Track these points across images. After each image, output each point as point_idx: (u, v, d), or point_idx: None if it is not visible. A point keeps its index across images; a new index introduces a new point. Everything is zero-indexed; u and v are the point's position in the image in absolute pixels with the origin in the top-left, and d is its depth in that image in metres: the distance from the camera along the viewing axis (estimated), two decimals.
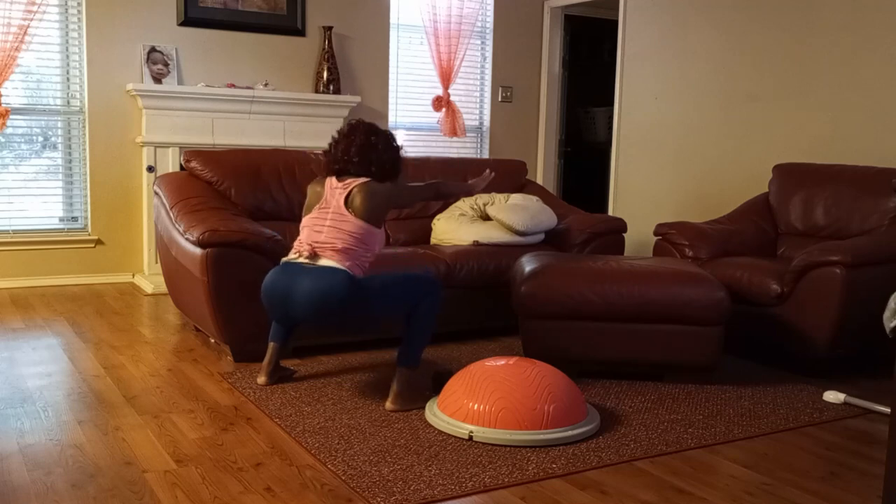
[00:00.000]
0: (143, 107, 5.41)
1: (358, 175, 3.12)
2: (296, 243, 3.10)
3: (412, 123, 6.60)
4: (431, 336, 3.14)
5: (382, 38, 6.33)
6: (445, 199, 3.31)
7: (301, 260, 3.04)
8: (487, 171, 3.51)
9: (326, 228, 3.04)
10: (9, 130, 5.28)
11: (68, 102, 5.43)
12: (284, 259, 3.11)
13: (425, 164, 4.87)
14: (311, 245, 3.03)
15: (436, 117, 6.60)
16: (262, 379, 3.32)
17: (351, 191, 3.06)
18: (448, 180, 3.31)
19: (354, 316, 2.99)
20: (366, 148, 3.11)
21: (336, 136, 3.19)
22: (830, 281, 3.50)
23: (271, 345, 3.34)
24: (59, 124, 5.43)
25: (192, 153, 4.28)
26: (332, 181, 3.13)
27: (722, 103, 5.47)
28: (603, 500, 2.34)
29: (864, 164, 4.48)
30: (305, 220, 3.14)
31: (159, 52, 5.51)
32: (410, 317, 3.07)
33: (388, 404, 3.04)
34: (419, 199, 3.28)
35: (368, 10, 6.24)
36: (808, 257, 3.58)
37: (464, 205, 4.67)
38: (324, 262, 2.99)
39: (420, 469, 2.50)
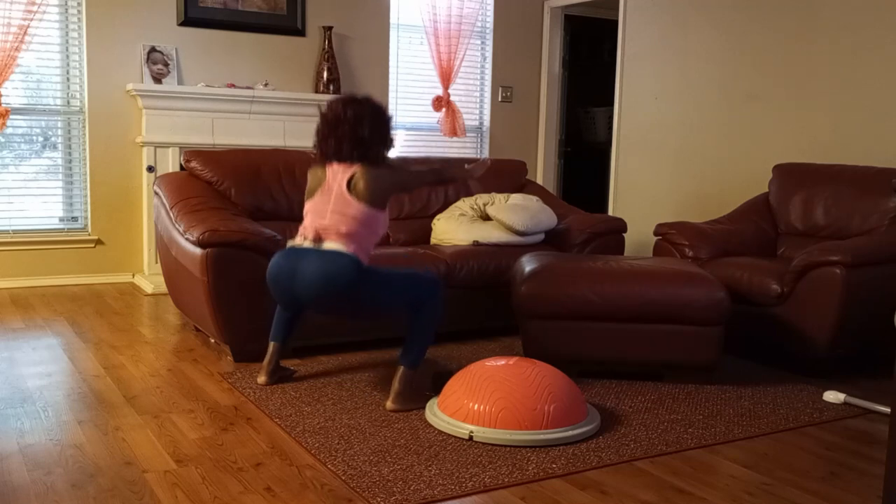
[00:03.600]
0: (143, 107, 5.40)
1: (354, 161, 3.08)
2: (300, 228, 3.11)
3: (412, 123, 6.59)
4: (434, 337, 3.14)
5: (382, 38, 6.33)
6: (447, 184, 3.30)
7: (306, 244, 3.04)
8: (486, 158, 3.48)
9: (330, 213, 3.04)
10: (9, 130, 5.28)
11: (68, 102, 5.43)
12: (290, 243, 3.11)
13: (425, 164, 4.86)
14: (315, 229, 3.04)
15: (436, 117, 6.60)
16: (262, 379, 3.32)
17: (354, 174, 3.05)
18: (448, 166, 3.29)
19: (357, 304, 2.99)
20: (356, 140, 3.06)
21: (323, 128, 3.13)
22: (830, 281, 3.50)
23: (271, 344, 3.35)
24: (59, 124, 5.43)
25: (192, 153, 4.29)
26: (333, 164, 3.11)
27: (722, 103, 5.47)
28: (603, 500, 2.34)
29: (864, 164, 4.48)
30: (308, 205, 3.13)
31: (159, 52, 5.51)
32: (414, 317, 3.07)
33: (389, 404, 3.04)
34: (422, 183, 3.24)
35: (368, 10, 6.24)
36: (808, 257, 3.58)
37: (464, 205, 4.67)
38: (329, 245, 2.99)
39: (420, 469, 2.50)
